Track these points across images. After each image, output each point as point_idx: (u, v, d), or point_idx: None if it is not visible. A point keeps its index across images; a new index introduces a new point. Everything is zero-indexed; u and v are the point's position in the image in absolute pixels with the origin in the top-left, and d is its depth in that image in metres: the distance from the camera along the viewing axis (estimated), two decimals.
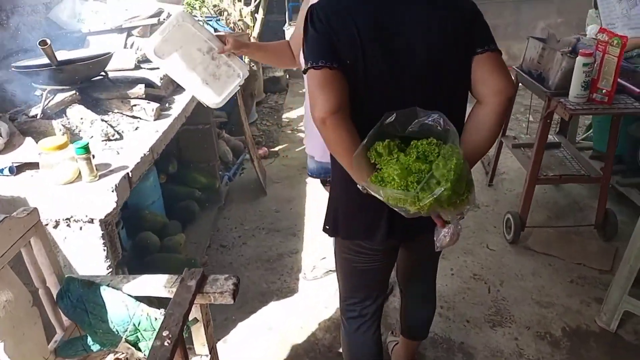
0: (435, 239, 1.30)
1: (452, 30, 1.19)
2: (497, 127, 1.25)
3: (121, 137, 1.96)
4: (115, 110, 2.12)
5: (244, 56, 2.02)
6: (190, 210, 2.99)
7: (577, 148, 3.22)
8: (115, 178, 1.62)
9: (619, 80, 2.20)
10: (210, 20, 3.93)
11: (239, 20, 4.00)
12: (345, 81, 1.20)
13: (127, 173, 1.68)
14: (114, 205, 1.58)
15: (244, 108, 3.55)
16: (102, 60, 2.11)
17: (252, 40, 3.92)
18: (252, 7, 4.14)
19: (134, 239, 2.65)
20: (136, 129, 2.05)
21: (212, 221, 3.06)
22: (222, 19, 3.96)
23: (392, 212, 1.26)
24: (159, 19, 2.59)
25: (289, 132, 4.63)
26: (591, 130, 3.47)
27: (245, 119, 3.53)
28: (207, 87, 1.87)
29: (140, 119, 2.12)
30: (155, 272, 2.39)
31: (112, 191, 1.57)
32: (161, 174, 2.94)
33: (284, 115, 5.06)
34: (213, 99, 1.90)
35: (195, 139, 3.11)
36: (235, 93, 1.96)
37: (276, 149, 4.21)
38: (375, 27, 1.17)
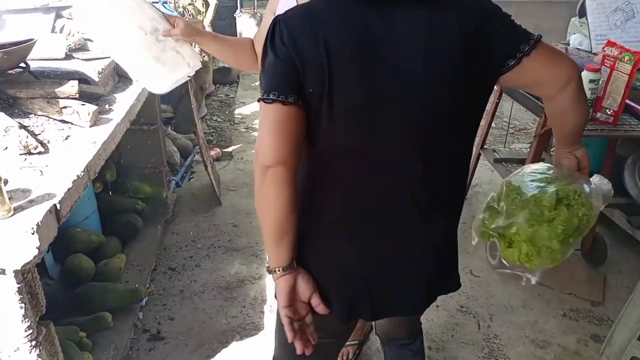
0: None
1: (463, 43, 0.92)
2: (583, 102, 1.10)
3: (46, 150, 1.52)
4: (39, 113, 1.67)
5: (195, 45, 1.65)
6: (132, 225, 2.54)
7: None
8: (37, 212, 1.20)
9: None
10: (157, 3, 3.44)
11: (189, 4, 3.54)
12: (302, 120, 0.94)
13: (55, 205, 1.26)
14: (35, 252, 1.16)
15: (196, 104, 3.12)
16: (22, 48, 1.65)
17: (206, 28, 3.48)
18: None
19: (63, 263, 2.20)
20: (67, 138, 1.61)
21: (159, 238, 2.64)
22: (169, 2, 3.48)
23: (379, 286, 1.10)
24: None
25: (243, 130, 4.22)
26: None
27: (197, 116, 3.10)
28: (148, 70, 1.53)
29: (73, 124, 1.68)
30: (89, 306, 1.99)
31: (33, 233, 1.16)
32: (96, 183, 2.48)
33: (237, 111, 4.63)
34: (155, 84, 1.57)
35: (138, 141, 2.64)
36: (185, 84, 1.63)
37: (229, 149, 3.79)
38: (353, 45, 0.90)
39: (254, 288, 2.32)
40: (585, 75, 1.96)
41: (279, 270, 1.05)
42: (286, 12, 0.96)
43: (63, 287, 2.12)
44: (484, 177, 3.38)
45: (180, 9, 3.53)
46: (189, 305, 2.20)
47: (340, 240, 1.10)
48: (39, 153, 1.50)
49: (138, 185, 2.66)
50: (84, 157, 1.49)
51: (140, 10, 1.51)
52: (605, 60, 1.99)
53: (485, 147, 2.97)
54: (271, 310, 2.18)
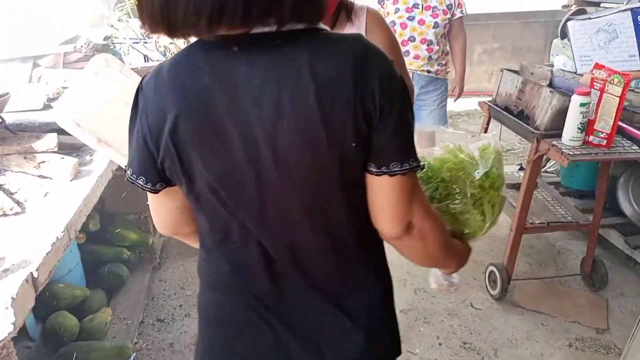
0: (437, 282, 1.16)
1: (323, 117, 0.70)
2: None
3: (23, 210, 1.44)
4: (16, 170, 1.59)
5: None
6: (118, 275, 2.43)
7: (544, 183, 3.05)
8: (13, 283, 1.12)
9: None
10: (137, 43, 3.40)
11: (170, 43, 3.50)
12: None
13: (31, 273, 1.18)
14: (11, 327, 1.07)
15: None
16: None
17: None
18: None
19: (44, 322, 2.08)
20: (45, 194, 1.53)
21: (146, 287, 2.52)
22: (150, 42, 3.44)
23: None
24: (75, 46, 2.07)
25: None
26: (555, 162, 3.33)
27: None
28: None
29: (52, 179, 1.60)
30: None
31: (7, 307, 1.06)
32: (79, 233, 2.37)
33: None
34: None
35: (122, 187, 2.55)
36: None
37: None
38: (198, 116, 0.73)
39: None
40: (576, 99, 1.94)
41: None
42: (151, 72, 0.78)
43: (45, 348, 2.00)
44: None
45: (162, 49, 3.49)
46: (179, 359, 2.09)
47: None
48: (15, 214, 1.41)
49: (123, 233, 2.56)
50: (63, 216, 1.41)
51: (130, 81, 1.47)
52: (594, 83, 1.97)
53: None
54: None
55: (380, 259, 0.95)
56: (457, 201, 0.98)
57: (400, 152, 0.75)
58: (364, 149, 0.74)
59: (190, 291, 2.54)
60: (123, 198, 2.58)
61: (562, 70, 2.80)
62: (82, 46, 2.06)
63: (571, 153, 1.95)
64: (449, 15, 2.84)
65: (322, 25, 0.75)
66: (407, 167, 0.75)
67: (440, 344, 2.16)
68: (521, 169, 3.29)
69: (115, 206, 2.60)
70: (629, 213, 2.58)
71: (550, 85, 2.44)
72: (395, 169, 0.75)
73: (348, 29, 1.41)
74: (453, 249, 0.95)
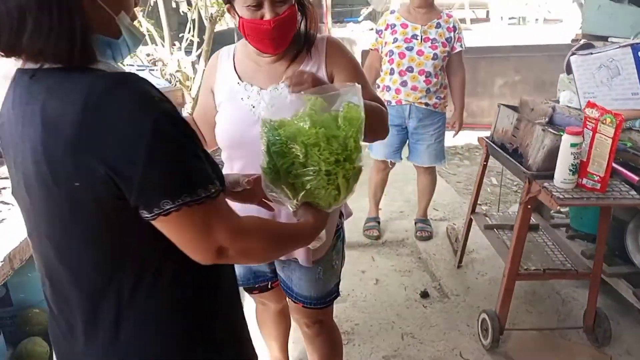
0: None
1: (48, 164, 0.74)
2: None
3: None
4: None
5: None
6: None
7: (551, 225, 2.87)
8: None
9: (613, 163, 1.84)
10: (143, 70, 3.46)
11: (176, 71, 3.55)
12: None
13: None
14: None
15: None
16: None
17: (190, 95, 3.46)
18: (193, 56, 3.71)
19: (15, 348, 2.05)
20: (2, 221, 1.51)
21: None
22: (156, 69, 3.50)
23: None
24: None
25: None
26: None
27: None
28: None
29: (13, 205, 1.59)
30: None
31: None
32: None
33: None
34: None
35: None
36: None
37: None
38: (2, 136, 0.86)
39: None
40: (566, 139, 1.82)
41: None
42: None
43: None
44: (482, 241, 3.17)
45: (168, 76, 3.54)
46: None
47: None
48: None
49: None
50: (7, 245, 1.38)
51: None
52: (587, 123, 1.84)
53: (476, 211, 2.79)
54: None
55: (165, 313, 0.85)
56: (310, 177, 0.98)
57: (166, 188, 0.73)
58: (113, 193, 0.73)
59: None
60: None
61: (567, 106, 2.66)
62: None
63: (561, 197, 1.81)
64: (448, 48, 2.76)
65: (104, 65, 0.78)
66: (181, 202, 0.73)
67: None
68: None
69: None
70: (638, 262, 2.38)
71: (551, 122, 2.32)
72: (168, 207, 0.73)
73: (307, 62, 1.36)
74: (295, 236, 0.98)
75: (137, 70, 3.35)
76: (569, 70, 2.77)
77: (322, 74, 1.34)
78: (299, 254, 1.40)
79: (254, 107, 1.33)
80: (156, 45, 3.63)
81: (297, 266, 1.47)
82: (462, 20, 7.04)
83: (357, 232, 3.36)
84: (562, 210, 3.23)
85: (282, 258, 1.47)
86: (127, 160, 0.71)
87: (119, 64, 0.88)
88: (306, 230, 1.01)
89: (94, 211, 0.76)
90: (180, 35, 3.80)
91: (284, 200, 1.03)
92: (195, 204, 0.75)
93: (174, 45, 3.69)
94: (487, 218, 2.70)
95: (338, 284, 1.57)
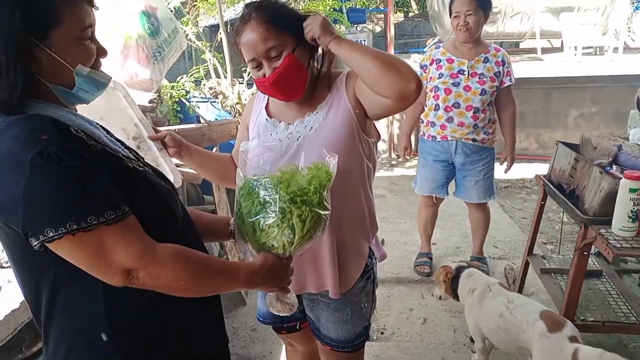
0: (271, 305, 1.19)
1: None
2: None
3: None
4: None
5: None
6: None
7: (621, 270, 2.64)
8: None
9: None
10: (205, 102, 3.64)
11: (236, 103, 3.69)
12: None
13: None
14: None
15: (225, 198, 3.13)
16: None
17: None
18: (254, 89, 3.85)
19: None
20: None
21: None
22: (217, 102, 3.67)
23: None
24: None
25: None
26: None
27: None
28: None
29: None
30: None
31: None
32: None
33: None
34: None
35: None
36: None
37: None
38: None
39: None
40: (625, 184, 1.69)
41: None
42: None
43: None
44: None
45: (228, 108, 3.69)
46: None
47: None
48: None
49: None
50: None
51: (127, 113, 1.54)
52: None
53: (534, 253, 2.63)
54: None
55: (77, 327, 0.93)
56: (265, 213, 1.05)
57: (48, 217, 0.80)
58: (7, 224, 0.84)
59: None
60: None
61: (637, 144, 2.46)
62: None
63: (619, 245, 1.67)
64: (496, 83, 2.67)
65: (44, 108, 0.89)
66: (65, 230, 0.80)
67: None
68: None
69: None
70: None
71: (615, 162, 2.15)
72: (52, 235, 0.80)
73: (328, 98, 1.37)
74: (228, 273, 0.99)
75: (199, 102, 3.53)
76: (639, 105, 2.59)
77: (345, 103, 1.35)
78: (329, 285, 1.40)
79: (280, 140, 1.37)
80: (219, 78, 3.81)
81: (325, 307, 1.46)
82: (533, 50, 6.78)
83: (408, 268, 3.27)
84: None
85: (311, 295, 1.46)
86: (10, 195, 0.80)
87: (76, 106, 0.99)
88: (244, 270, 1.02)
89: (5, 238, 0.89)
90: (243, 69, 3.96)
91: (244, 248, 1.09)
92: (83, 230, 0.81)
93: (236, 79, 3.85)
94: (545, 261, 2.54)
95: (367, 327, 1.53)
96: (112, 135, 1.05)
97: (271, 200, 1.05)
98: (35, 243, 0.82)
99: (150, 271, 0.86)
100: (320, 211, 1.08)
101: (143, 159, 1.08)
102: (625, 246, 1.67)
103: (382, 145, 6.19)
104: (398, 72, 1.17)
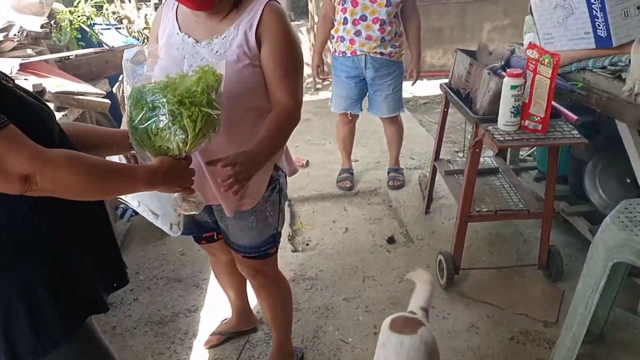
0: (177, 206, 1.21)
1: None
2: None
3: None
4: None
5: None
6: None
7: (520, 168, 2.91)
8: None
9: (554, 103, 1.86)
10: (109, 29, 3.43)
11: (144, 28, 3.52)
12: None
13: None
14: None
15: None
16: None
17: None
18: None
19: None
20: None
21: None
22: (123, 27, 3.47)
23: None
24: (7, 35, 2.10)
25: None
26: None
27: None
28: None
29: None
30: None
31: None
32: None
33: None
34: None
35: None
36: None
37: None
38: None
39: (186, 322, 2.24)
40: (507, 81, 1.83)
41: None
42: None
43: None
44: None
45: (135, 34, 3.51)
46: (118, 342, 2.13)
47: None
48: None
49: None
50: None
51: None
52: (528, 64, 1.85)
53: (440, 158, 2.82)
54: (199, 346, 2.09)
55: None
56: (156, 119, 1.08)
57: None
58: None
59: (144, 276, 2.59)
60: None
61: None
62: (15, 35, 2.09)
63: (501, 139, 1.84)
64: None
65: None
66: None
67: (375, 334, 2.10)
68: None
69: None
70: (595, 200, 2.43)
71: (508, 65, 2.31)
72: None
73: (239, 22, 1.36)
74: (125, 174, 1.02)
75: (102, 29, 3.33)
76: (532, 11, 2.73)
77: (251, 35, 1.35)
78: (223, 204, 1.47)
79: (185, 57, 1.36)
80: (123, 2, 3.59)
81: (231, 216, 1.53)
82: None
83: (331, 184, 3.42)
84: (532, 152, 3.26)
85: (218, 206, 1.52)
86: None
87: None
88: (142, 171, 1.06)
89: None
90: None
91: (144, 155, 1.13)
92: None
93: (142, 2, 3.64)
94: (449, 164, 2.74)
95: (275, 235, 1.61)
96: None
97: (160, 104, 1.07)
98: None
99: (46, 174, 0.87)
100: (211, 111, 1.11)
101: (13, 81, 1.05)
102: (507, 139, 1.84)
103: (306, 69, 6.15)
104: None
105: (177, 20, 1.43)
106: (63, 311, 1.03)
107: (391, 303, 2.28)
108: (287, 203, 3.08)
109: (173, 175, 1.10)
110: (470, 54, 2.39)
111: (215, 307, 2.30)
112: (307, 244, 2.84)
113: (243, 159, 1.22)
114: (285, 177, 1.63)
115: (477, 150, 2.05)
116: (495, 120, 1.95)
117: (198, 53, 1.38)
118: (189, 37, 1.40)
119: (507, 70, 1.84)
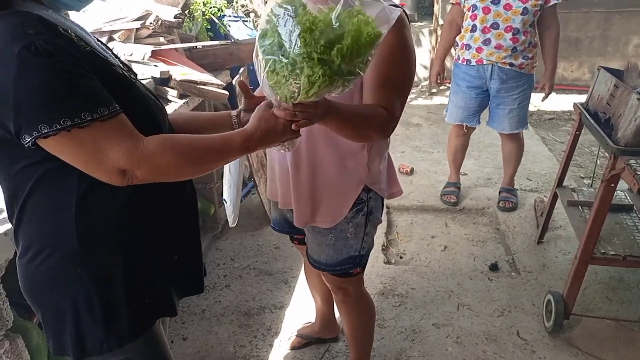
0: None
1: None
2: None
3: None
4: None
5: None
6: None
7: None
8: None
9: None
10: (237, 21, 3.56)
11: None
12: None
13: None
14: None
15: None
16: None
17: None
18: None
19: None
20: None
21: (203, 252, 2.69)
22: (249, 21, 3.58)
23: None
24: (144, 23, 2.23)
25: None
26: None
27: None
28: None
29: None
30: None
31: None
32: None
33: None
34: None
35: None
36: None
37: None
38: None
39: (271, 317, 2.24)
40: None
41: None
42: None
43: None
44: None
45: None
46: (205, 326, 2.20)
47: None
48: None
49: None
50: None
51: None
52: None
53: (563, 185, 2.54)
54: (280, 345, 2.08)
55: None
56: (281, 60, 0.89)
57: (42, 113, 0.80)
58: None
59: (238, 264, 2.65)
60: None
61: None
62: (151, 23, 2.22)
63: None
64: (541, 1, 2.46)
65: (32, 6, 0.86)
66: (59, 127, 0.80)
67: None
68: None
69: None
70: None
71: None
72: (46, 131, 0.80)
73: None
74: (221, 145, 0.96)
75: (230, 21, 3.46)
76: None
77: None
78: (295, 213, 1.44)
79: None
80: None
81: (311, 228, 1.48)
82: None
83: (435, 196, 3.25)
84: None
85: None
86: (1, 91, 0.79)
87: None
88: (236, 138, 0.97)
89: None
90: None
91: (269, 92, 0.97)
92: (78, 127, 0.81)
93: None
94: (574, 193, 2.45)
95: (355, 257, 1.50)
96: (103, 44, 1.03)
97: (286, 45, 0.89)
98: (29, 140, 0.81)
99: (148, 167, 0.87)
100: (342, 77, 0.91)
101: (133, 71, 1.06)
102: None
103: (422, 72, 5.96)
104: (370, 138, 1.27)
105: None
106: (134, 309, 1.00)
107: (486, 338, 2.09)
108: (385, 211, 2.98)
109: (268, 138, 1.00)
110: (616, 73, 2.10)
111: (301, 308, 2.28)
112: (401, 257, 2.72)
113: (322, 102, 1.02)
114: (382, 201, 1.52)
115: (612, 184, 1.79)
116: (639, 154, 1.68)
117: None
118: None
119: None
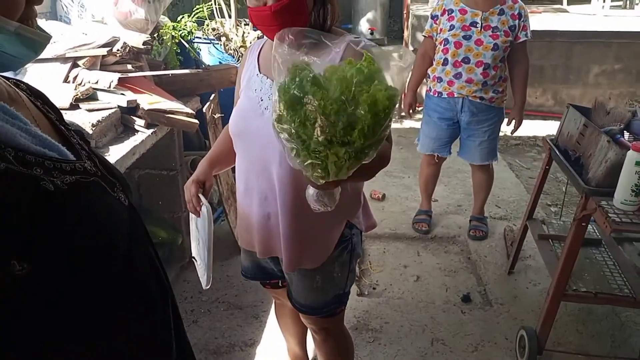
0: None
1: None
2: None
3: None
4: None
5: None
6: None
7: (623, 238, 2.57)
8: None
9: None
10: (208, 44, 3.50)
11: (240, 46, 3.55)
12: None
13: None
14: None
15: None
16: None
17: None
18: (259, 32, 3.68)
19: None
20: None
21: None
22: (220, 44, 3.53)
23: None
24: (111, 49, 2.15)
25: None
26: None
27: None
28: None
29: None
30: None
31: None
32: None
33: None
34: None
35: (157, 186, 2.65)
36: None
37: None
38: None
39: (241, 356, 2.17)
40: (631, 156, 1.60)
41: None
42: None
43: None
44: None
45: (231, 51, 3.55)
46: None
47: None
48: None
49: (153, 230, 2.64)
50: None
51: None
52: None
53: (533, 217, 2.57)
54: None
55: None
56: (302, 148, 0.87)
57: None
58: None
59: (206, 297, 2.55)
60: (158, 197, 2.67)
61: None
62: (118, 50, 2.14)
63: (618, 220, 1.60)
64: (511, 38, 2.51)
65: None
66: None
67: None
68: None
69: (151, 203, 2.69)
70: None
71: (628, 129, 2.04)
72: None
73: (323, 58, 1.26)
74: None
75: (200, 43, 3.40)
76: None
77: None
78: (285, 257, 1.38)
79: (262, 100, 1.29)
80: (224, 18, 3.65)
81: (296, 272, 1.43)
82: (559, 1, 6.42)
83: (407, 224, 3.24)
84: None
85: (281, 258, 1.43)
86: None
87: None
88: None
89: None
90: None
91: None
92: None
93: (241, 19, 3.69)
94: (544, 226, 2.48)
95: (340, 295, 1.48)
96: (66, 126, 0.76)
97: (303, 136, 0.86)
98: None
99: None
100: (368, 148, 0.88)
101: (95, 156, 0.73)
102: (624, 221, 1.60)
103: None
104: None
105: (258, 61, 1.37)
106: None
107: None
108: None
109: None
110: (584, 111, 2.14)
111: (272, 345, 2.21)
112: (374, 288, 2.69)
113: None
114: (360, 235, 1.50)
115: (584, 224, 1.81)
116: (609, 195, 1.70)
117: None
118: (267, 78, 1.32)
119: (634, 142, 1.60)
